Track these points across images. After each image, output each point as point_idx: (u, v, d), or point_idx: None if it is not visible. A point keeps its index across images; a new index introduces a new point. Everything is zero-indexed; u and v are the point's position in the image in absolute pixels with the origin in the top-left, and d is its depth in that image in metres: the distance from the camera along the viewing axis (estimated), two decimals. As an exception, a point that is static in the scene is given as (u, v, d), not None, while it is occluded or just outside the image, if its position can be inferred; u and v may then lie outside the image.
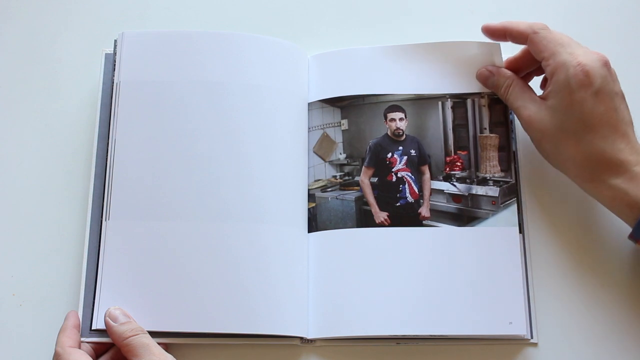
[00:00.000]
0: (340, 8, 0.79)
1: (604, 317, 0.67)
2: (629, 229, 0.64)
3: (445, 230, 0.68)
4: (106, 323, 0.62)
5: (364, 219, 0.68)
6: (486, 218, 0.68)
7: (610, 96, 0.63)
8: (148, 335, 0.61)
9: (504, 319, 0.65)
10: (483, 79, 0.70)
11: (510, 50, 0.75)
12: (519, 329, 0.65)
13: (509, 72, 0.69)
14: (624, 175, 0.62)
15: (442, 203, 0.69)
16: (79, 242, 0.68)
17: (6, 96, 0.74)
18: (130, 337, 0.60)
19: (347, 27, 0.78)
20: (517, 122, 0.73)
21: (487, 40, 0.71)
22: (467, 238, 0.67)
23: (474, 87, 0.72)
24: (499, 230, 0.68)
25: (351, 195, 0.69)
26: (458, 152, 0.71)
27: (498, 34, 0.69)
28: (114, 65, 0.71)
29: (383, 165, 0.70)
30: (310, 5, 0.79)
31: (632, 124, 0.64)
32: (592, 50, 0.65)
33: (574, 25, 0.78)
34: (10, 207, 0.71)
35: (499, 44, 0.72)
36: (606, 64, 0.64)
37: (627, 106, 0.64)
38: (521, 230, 0.69)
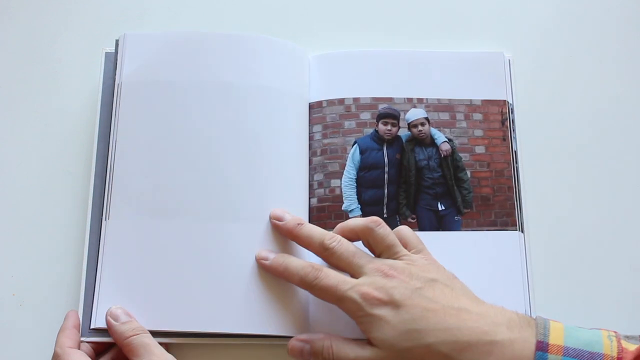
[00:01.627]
0: (340, 8, 0.79)
1: (604, 317, 0.67)
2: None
3: (445, 234, 0.68)
4: (107, 322, 0.62)
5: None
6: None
7: (406, 302, 0.57)
8: (149, 335, 0.61)
9: None
10: (297, 352, 0.62)
11: (516, 52, 0.75)
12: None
13: (320, 334, 0.62)
14: (495, 346, 0.55)
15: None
16: (79, 242, 0.67)
17: (6, 96, 0.74)
18: (131, 336, 0.60)
19: (348, 27, 0.78)
20: (517, 122, 0.73)
21: (489, 50, 0.71)
22: (468, 241, 0.67)
23: (474, 94, 0.72)
24: (499, 232, 0.68)
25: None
26: None
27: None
28: (115, 65, 0.71)
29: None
30: (310, 5, 0.79)
31: (453, 295, 0.59)
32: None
33: (574, 24, 0.78)
34: (10, 207, 0.70)
35: (502, 52, 0.73)
36: (366, 296, 0.58)
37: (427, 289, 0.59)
38: (521, 231, 0.69)
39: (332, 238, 0.62)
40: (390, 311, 0.57)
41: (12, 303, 0.67)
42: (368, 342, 0.59)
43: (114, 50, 0.72)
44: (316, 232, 0.63)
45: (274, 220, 0.65)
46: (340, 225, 0.64)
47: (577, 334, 0.55)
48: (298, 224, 0.64)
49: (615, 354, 0.53)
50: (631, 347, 0.53)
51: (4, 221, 0.70)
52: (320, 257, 0.63)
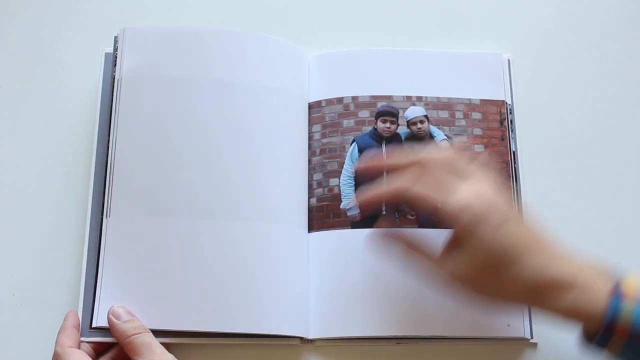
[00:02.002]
0: (340, 8, 0.79)
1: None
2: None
3: (444, 232, 0.68)
4: (109, 320, 0.62)
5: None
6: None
7: (512, 219, 0.58)
8: (151, 334, 0.61)
9: (502, 321, 0.65)
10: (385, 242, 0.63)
11: (515, 52, 0.75)
12: (517, 331, 0.65)
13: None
14: (573, 290, 0.56)
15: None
16: (79, 242, 0.67)
17: (6, 96, 0.74)
18: (133, 335, 0.60)
19: (347, 27, 0.78)
20: (517, 123, 0.73)
21: (489, 50, 0.71)
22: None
23: (473, 94, 0.72)
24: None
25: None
26: None
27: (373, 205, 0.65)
28: (115, 61, 0.71)
29: None
30: (310, 5, 0.79)
31: (544, 234, 0.59)
32: (473, 177, 0.59)
33: (574, 25, 0.78)
34: (10, 206, 0.70)
35: (500, 53, 0.73)
36: (490, 192, 0.58)
37: (525, 219, 0.60)
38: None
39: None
40: (495, 222, 0.56)
41: (12, 303, 0.67)
42: (448, 251, 0.60)
43: (113, 50, 0.72)
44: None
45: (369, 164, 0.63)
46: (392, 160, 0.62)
47: None
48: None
49: None
50: None
51: (4, 221, 0.70)
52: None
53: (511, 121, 0.72)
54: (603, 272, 0.57)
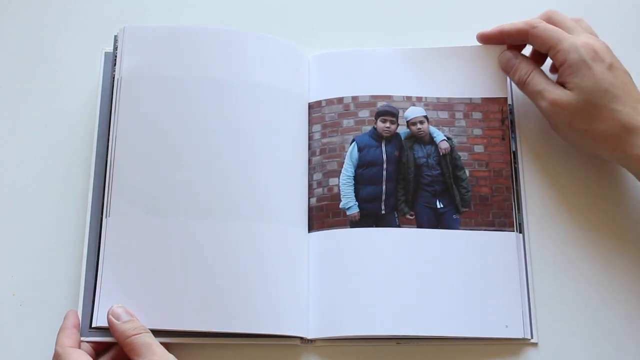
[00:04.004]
0: (340, 8, 0.79)
1: (603, 317, 0.67)
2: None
3: (443, 232, 0.68)
4: (109, 321, 0.62)
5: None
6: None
7: (622, 69, 0.67)
8: (151, 334, 0.61)
9: (500, 321, 0.65)
10: (505, 60, 0.72)
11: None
12: (515, 332, 0.65)
13: (531, 61, 0.71)
14: None
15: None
16: (79, 241, 0.67)
17: (6, 96, 0.74)
18: (133, 335, 0.60)
19: (348, 27, 0.78)
20: (516, 123, 0.73)
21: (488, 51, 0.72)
22: (465, 240, 0.67)
23: (474, 92, 0.72)
24: (496, 233, 0.68)
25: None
26: None
27: (495, 38, 0.72)
28: (114, 61, 0.71)
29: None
30: (310, 5, 0.79)
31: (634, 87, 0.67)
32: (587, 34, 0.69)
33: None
34: (10, 206, 0.71)
35: (505, 47, 0.73)
36: (601, 44, 0.68)
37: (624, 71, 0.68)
38: (521, 230, 0.69)
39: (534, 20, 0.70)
40: (602, 68, 0.66)
41: (12, 303, 0.67)
42: (562, 86, 0.67)
43: (112, 50, 0.72)
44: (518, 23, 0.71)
45: None
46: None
47: None
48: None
49: None
50: None
51: (4, 221, 0.70)
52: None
53: (511, 121, 0.72)
54: None
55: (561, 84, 0.68)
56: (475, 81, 0.73)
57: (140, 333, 0.61)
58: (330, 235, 0.68)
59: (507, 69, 0.72)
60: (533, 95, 0.69)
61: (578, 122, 0.66)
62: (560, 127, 0.68)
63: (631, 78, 0.67)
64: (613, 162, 0.68)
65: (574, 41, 0.67)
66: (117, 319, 0.62)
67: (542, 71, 0.70)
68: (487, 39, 0.73)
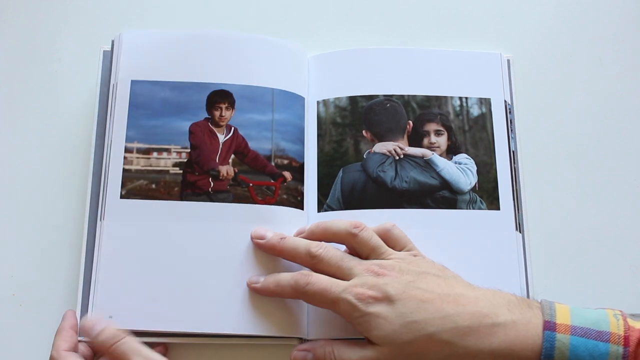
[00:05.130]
0: (340, 8, 0.79)
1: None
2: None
3: (444, 232, 0.68)
4: (85, 336, 0.60)
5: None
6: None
7: (408, 297, 0.57)
8: (132, 337, 0.59)
9: None
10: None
11: (515, 52, 0.75)
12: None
13: (320, 341, 0.62)
14: (497, 333, 0.55)
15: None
16: (79, 242, 0.67)
17: (6, 96, 0.74)
18: (113, 344, 0.58)
19: (347, 27, 0.78)
20: (516, 123, 0.73)
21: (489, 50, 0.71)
22: (465, 240, 0.67)
23: (473, 94, 0.72)
24: (496, 233, 0.68)
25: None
26: None
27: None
28: (111, 65, 0.71)
29: None
30: (310, 5, 0.79)
31: (454, 277, 0.60)
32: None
33: (573, 24, 0.78)
34: (9, 206, 0.71)
35: (500, 53, 0.73)
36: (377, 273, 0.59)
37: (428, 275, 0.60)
38: (521, 230, 0.69)
39: (318, 246, 0.62)
40: (386, 307, 0.57)
41: (12, 303, 0.67)
42: (368, 341, 0.59)
43: (110, 51, 0.72)
44: (301, 242, 0.63)
45: (256, 240, 0.65)
46: (323, 228, 0.64)
47: (584, 313, 0.55)
48: (281, 239, 0.64)
49: (622, 332, 0.54)
50: (637, 324, 0.54)
51: (4, 221, 0.70)
52: (308, 266, 0.63)
53: (511, 121, 0.72)
54: (524, 304, 0.57)
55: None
56: (472, 83, 0.72)
57: (119, 339, 0.59)
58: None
59: None
60: None
61: None
62: None
63: (419, 279, 0.59)
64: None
65: (345, 294, 0.58)
66: (90, 333, 0.60)
67: (339, 342, 0.61)
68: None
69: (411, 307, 0.57)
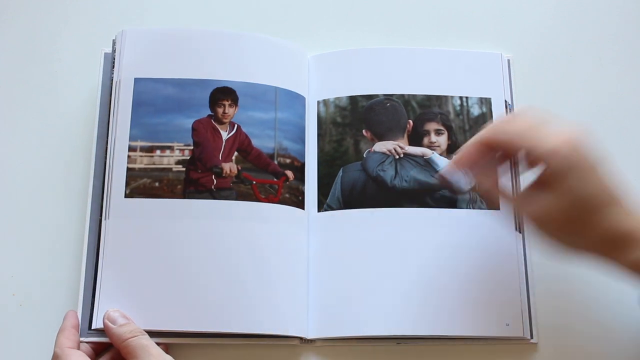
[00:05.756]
0: (340, 8, 0.79)
1: (604, 317, 0.67)
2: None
3: (443, 231, 0.68)
4: (105, 325, 0.62)
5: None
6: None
7: (598, 169, 0.58)
8: (147, 336, 0.61)
9: (501, 320, 0.65)
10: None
11: (515, 52, 0.75)
12: (516, 330, 0.65)
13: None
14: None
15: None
16: (79, 242, 0.67)
17: (6, 96, 0.74)
18: (129, 338, 0.60)
19: (347, 27, 0.78)
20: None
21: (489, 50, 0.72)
22: (465, 239, 0.67)
23: (473, 94, 0.72)
24: (497, 233, 0.68)
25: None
26: None
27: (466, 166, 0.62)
28: (113, 63, 0.71)
29: None
30: (310, 5, 0.79)
31: (619, 187, 0.59)
32: (561, 126, 0.59)
33: (573, 25, 0.78)
34: (10, 206, 0.70)
35: (500, 53, 0.73)
36: (580, 138, 0.58)
37: (606, 171, 0.59)
38: (521, 231, 0.69)
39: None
40: (584, 170, 0.57)
41: (12, 303, 0.67)
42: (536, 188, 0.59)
43: (112, 51, 0.72)
44: None
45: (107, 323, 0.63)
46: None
47: None
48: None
49: None
50: None
51: (4, 221, 0.70)
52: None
53: (511, 121, 0.72)
54: None
55: (539, 188, 0.59)
56: (473, 83, 0.73)
57: (136, 335, 0.61)
58: (330, 236, 0.68)
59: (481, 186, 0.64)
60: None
61: (560, 235, 0.59)
62: (546, 239, 0.60)
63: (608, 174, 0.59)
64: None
65: (549, 145, 0.57)
66: (113, 323, 0.62)
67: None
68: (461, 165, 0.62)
69: (602, 185, 0.57)
